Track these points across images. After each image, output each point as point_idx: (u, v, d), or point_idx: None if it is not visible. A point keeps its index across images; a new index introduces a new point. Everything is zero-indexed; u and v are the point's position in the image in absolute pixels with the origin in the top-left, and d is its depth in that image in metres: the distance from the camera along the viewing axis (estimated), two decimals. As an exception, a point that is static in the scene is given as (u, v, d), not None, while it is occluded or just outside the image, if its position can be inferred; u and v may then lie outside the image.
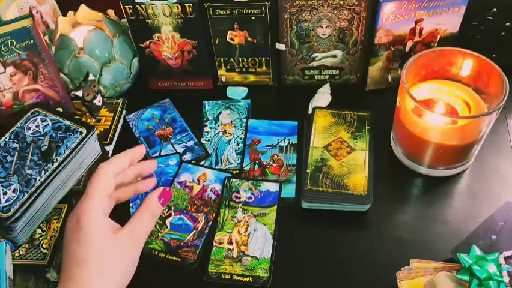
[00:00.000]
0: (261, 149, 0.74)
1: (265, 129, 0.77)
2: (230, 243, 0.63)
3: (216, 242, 0.64)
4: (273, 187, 0.68)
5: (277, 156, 0.73)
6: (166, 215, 0.66)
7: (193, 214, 0.67)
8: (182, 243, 0.64)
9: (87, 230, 0.48)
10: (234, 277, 0.61)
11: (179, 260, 0.63)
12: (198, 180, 0.71)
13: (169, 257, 0.63)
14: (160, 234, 0.65)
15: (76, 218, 0.49)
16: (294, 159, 0.73)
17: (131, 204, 0.68)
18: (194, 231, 0.65)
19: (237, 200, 0.67)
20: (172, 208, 0.67)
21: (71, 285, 0.47)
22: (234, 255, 0.62)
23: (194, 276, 0.62)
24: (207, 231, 0.65)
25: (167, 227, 0.66)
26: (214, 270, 0.61)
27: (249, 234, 0.64)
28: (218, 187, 0.69)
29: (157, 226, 0.65)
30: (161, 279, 0.62)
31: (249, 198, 0.67)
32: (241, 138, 0.76)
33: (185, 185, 0.70)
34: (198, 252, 0.63)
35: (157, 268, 0.63)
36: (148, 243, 0.64)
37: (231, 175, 0.71)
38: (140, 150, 0.56)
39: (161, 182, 0.71)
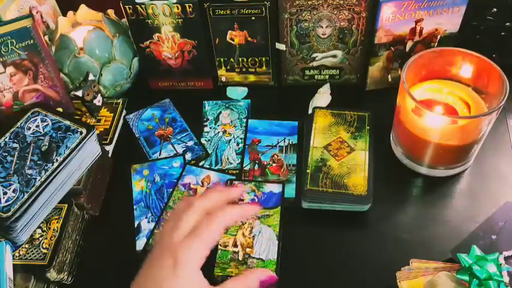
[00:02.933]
0: (261, 149, 0.74)
1: (265, 129, 0.77)
2: (235, 245, 0.63)
3: (220, 245, 0.63)
4: (276, 188, 0.68)
5: (277, 156, 0.73)
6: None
7: None
8: None
9: (184, 280, 0.45)
10: None
11: None
12: (202, 182, 0.70)
13: None
14: None
15: (173, 262, 0.46)
16: (294, 159, 0.73)
17: (135, 207, 0.68)
18: None
19: (240, 203, 0.67)
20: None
21: None
22: (240, 258, 0.62)
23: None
24: None
25: None
26: (220, 274, 0.61)
27: (253, 236, 0.64)
28: None
29: None
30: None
31: (252, 200, 0.67)
32: (241, 138, 0.76)
33: (189, 187, 0.70)
34: None
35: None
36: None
37: (234, 177, 0.71)
38: (240, 191, 0.54)
39: (165, 184, 0.70)
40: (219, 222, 0.48)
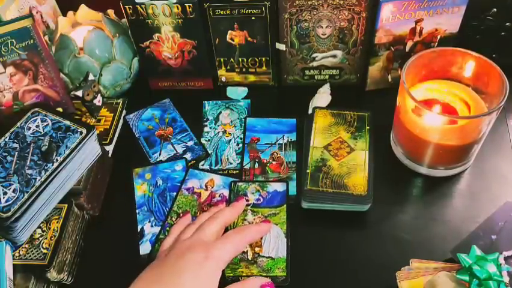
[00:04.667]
0: (260, 147, 0.74)
1: (263, 127, 0.77)
2: None
3: None
4: (280, 187, 0.68)
5: (277, 154, 0.73)
6: (175, 222, 0.65)
7: None
8: None
9: (209, 273, 0.53)
10: None
11: None
12: (206, 186, 0.70)
13: None
14: None
15: (205, 255, 0.53)
16: (293, 156, 0.73)
17: (137, 211, 0.68)
18: None
19: (246, 203, 0.67)
20: (181, 215, 0.67)
21: None
22: (249, 258, 0.62)
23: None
24: None
25: None
26: (231, 274, 0.61)
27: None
28: (226, 193, 0.69)
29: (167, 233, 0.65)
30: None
31: (258, 200, 0.67)
32: (241, 138, 0.76)
33: (193, 191, 0.69)
34: None
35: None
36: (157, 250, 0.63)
37: (238, 180, 0.70)
38: (244, 203, 0.66)
39: (168, 187, 0.70)
40: (248, 236, 0.59)
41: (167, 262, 0.53)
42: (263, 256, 0.62)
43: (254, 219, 0.65)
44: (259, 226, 0.62)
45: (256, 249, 0.63)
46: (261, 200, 0.67)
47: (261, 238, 0.63)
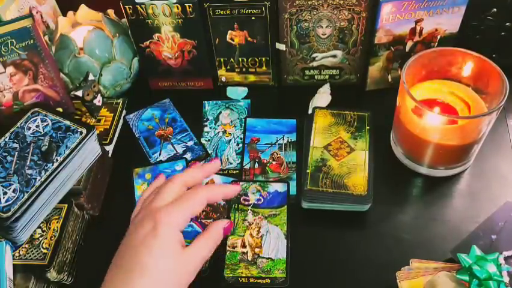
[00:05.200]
0: (260, 147, 0.74)
1: (263, 128, 0.77)
2: (244, 246, 0.63)
3: (229, 246, 0.63)
4: (281, 187, 0.68)
5: (277, 154, 0.73)
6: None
7: (203, 221, 0.66)
8: None
9: (163, 241, 0.47)
10: (251, 280, 0.60)
11: None
12: None
13: None
14: None
15: (153, 224, 0.48)
16: (293, 156, 0.73)
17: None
18: None
19: (246, 203, 0.67)
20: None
21: None
22: (249, 258, 0.62)
23: (211, 282, 0.61)
24: None
25: None
26: (231, 275, 0.61)
27: (261, 236, 0.64)
28: None
29: None
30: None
31: (258, 200, 0.67)
32: (241, 138, 0.76)
33: None
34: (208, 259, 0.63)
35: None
36: None
37: (237, 179, 0.70)
38: (216, 165, 0.57)
39: None
40: (200, 194, 0.52)
41: (125, 252, 0.49)
42: (263, 257, 0.62)
43: (254, 219, 0.65)
44: (223, 186, 0.57)
45: (256, 250, 0.63)
46: (262, 200, 0.67)
47: (261, 239, 0.63)
